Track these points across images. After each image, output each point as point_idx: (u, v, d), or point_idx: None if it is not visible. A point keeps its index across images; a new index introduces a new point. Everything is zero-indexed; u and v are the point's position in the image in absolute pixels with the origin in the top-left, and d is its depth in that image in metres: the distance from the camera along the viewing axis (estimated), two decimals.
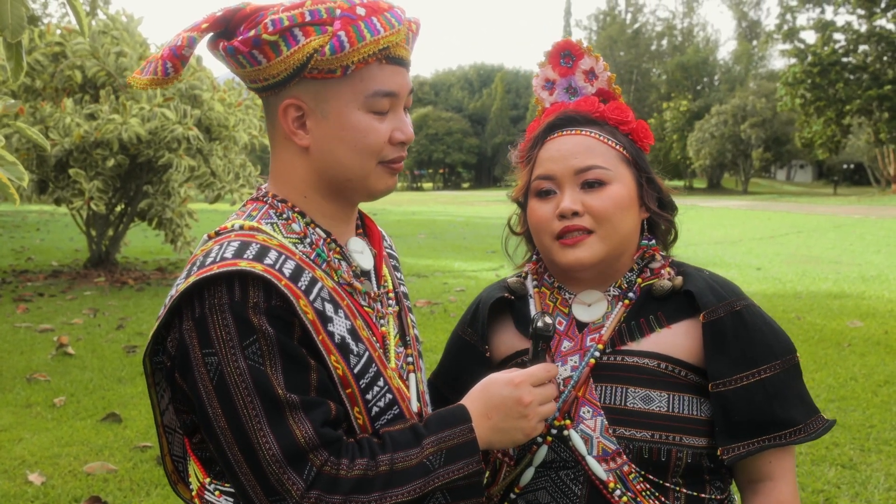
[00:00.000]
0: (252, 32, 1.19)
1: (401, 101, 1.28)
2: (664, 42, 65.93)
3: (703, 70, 59.92)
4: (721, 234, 17.75)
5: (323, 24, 1.18)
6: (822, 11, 41.42)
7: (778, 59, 60.91)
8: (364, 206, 1.45)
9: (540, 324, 1.32)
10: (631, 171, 1.44)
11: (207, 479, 1.28)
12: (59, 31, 9.73)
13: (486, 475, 1.50)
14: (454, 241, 16.33)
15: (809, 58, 39.80)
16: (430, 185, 78.67)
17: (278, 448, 1.11)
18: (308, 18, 1.18)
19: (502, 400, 1.24)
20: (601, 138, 1.44)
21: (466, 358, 1.52)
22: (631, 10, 66.75)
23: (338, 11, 1.19)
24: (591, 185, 1.40)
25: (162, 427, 1.34)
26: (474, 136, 73.24)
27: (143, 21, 10.39)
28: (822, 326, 7.30)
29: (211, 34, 1.26)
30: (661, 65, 62.90)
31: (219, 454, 1.16)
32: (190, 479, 1.35)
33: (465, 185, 78.82)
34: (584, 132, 1.44)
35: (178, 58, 1.22)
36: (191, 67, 9.97)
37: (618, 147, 1.44)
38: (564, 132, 1.45)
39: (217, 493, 1.26)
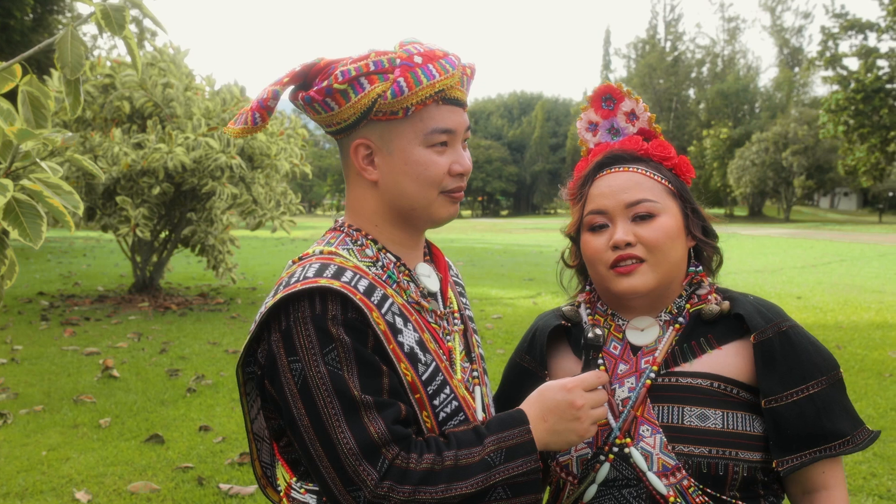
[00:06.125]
0: (325, 83, 1.35)
1: (458, 136, 1.41)
2: (704, 69, 65.62)
3: (743, 97, 59.49)
4: (762, 263, 17.57)
5: (385, 73, 1.34)
6: (865, 38, 40.87)
7: (820, 86, 60.19)
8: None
9: (590, 335, 1.42)
10: (677, 203, 1.54)
11: (294, 479, 1.39)
12: (108, 64, 10.04)
13: (548, 494, 1.59)
14: (492, 269, 16.37)
15: (852, 84, 39.30)
16: (469, 212, 78.94)
17: (355, 443, 1.23)
18: (372, 68, 1.34)
19: (556, 404, 1.34)
20: (648, 174, 1.54)
21: (526, 383, 1.59)
22: (671, 38, 66.66)
23: (398, 61, 1.35)
24: (642, 217, 1.50)
25: (251, 434, 1.47)
26: (513, 163, 73.39)
27: (189, 53, 10.69)
28: (863, 356, 7.22)
29: (292, 87, 1.40)
30: (701, 92, 62.55)
31: (303, 451, 1.28)
32: (278, 482, 1.48)
33: (504, 212, 79.02)
34: (631, 169, 1.55)
35: (264, 108, 1.38)
36: (234, 98, 10.21)
37: (663, 181, 1.54)
38: (613, 170, 1.56)
39: (302, 490, 1.37)
